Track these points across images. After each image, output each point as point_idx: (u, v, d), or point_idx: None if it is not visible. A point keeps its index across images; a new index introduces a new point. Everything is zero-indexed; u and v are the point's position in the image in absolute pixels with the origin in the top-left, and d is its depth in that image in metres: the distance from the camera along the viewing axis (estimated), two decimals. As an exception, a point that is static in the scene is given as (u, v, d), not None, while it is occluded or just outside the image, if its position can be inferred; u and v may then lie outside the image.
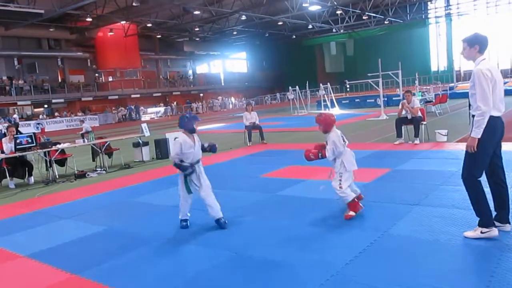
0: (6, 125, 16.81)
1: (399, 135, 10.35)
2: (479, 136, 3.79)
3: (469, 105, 4.18)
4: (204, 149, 5.31)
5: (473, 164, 3.92)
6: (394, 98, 24.45)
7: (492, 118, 3.80)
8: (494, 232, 3.94)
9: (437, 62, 48.84)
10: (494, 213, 4.04)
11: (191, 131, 5.09)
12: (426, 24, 48.10)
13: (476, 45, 3.94)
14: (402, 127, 10.38)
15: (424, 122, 10.40)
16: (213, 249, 4.39)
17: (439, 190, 5.77)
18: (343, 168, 4.99)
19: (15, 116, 30.49)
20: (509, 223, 4.11)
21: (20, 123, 28.46)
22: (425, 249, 3.89)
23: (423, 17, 46.19)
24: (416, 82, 25.29)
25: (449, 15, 46.37)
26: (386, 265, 3.65)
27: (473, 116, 3.91)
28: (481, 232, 3.97)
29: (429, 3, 43.51)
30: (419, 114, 10.16)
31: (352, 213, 4.96)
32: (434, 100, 18.84)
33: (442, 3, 44.66)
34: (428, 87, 28.54)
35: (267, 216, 5.41)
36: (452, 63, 46.65)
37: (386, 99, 23.35)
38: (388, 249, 3.97)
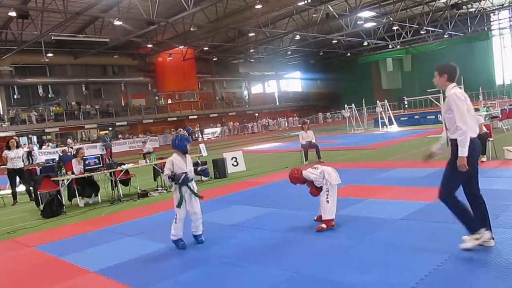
0: (76, 147, 17.84)
1: (463, 152, 9.87)
2: (466, 154, 4.05)
3: (446, 127, 4.42)
4: (197, 173, 5.61)
5: (453, 183, 4.23)
6: (456, 114, 23.39)
7: (470, 138, 4.10)
8: (486, 235, 4.16)
9: (502, 75, 46.31)
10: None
11: (183, 151, 5.44)
12: (489, 37, 45.88)
13: (445, 74, 4.32)
14: (467, 144, 9.90)
15: (491, 139, 9.86)
16: (273, 269, 4.38)
17: (510, 211, 5.43)
18: (328, 184, 5.59)
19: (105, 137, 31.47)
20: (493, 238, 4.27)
21: (85, 146, 30.09)
22: (497, 274, 3.66)
23: (486, 29, 44.17)
24: (480, 97, 24.09)
25: (514, 26, 44.07)
26: (455, 289, 3.46)
27: (451, 140, 4.22)
28: (475, 239, 4.18)
29: (491, 14, 41.60)
30: (485, 130, 9.66)
31: (324, 225, 5.50)
32: (500, 115, 17.84)
33: (506, 14, 42.51)
34: (494, 102, 27.08)
35: (326, 235, 5.32)
36: (519, 76, 44.10)
37: (448, 115, 22.40)
38: (456, 273, 3.78)
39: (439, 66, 4.36)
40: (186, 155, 5.53)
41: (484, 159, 9.49)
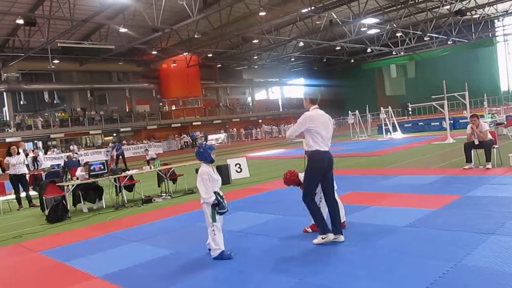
0: (82, 154, 17.88)
1: (468, 159, 9.83)
2: (287, 135, 5.72)
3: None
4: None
5: (308, 187, 5.26)
6: (461, 121, 23.39)
7: (319, 151, 5.12)
8: (329, 237, 5.11)
9: (507, 81, 46.15)
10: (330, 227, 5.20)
11: (211, 161, 5.40)
12: (494, 43, 45.76)
13: (307, 97, 5.38)
14: (472, 151, 9.87)
15: (496, 146, 9.83)
16: (277, 276, 4.37)
17: (516, 218, 5.40)
18: (320, 192, 5.71)
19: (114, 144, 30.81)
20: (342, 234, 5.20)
21: (90, 151, 30.18)
22: (504, 282, 3.64)
23: (490, 35, 44.10)
24: (485, 103, 24.05)
25: (519, 32, 43.99)
26: (461, 297, 3.44)
27: (305, 151, 5.31)
28: (322, 238, 5.13)
29: (496, 21, 41.56)
30: (490, 137, 9.63)
31: (310, 229, 5.79)
32: (505, 122, 17.79)
33: (511, 20, 42.49)
34: (499, 108, 27.01)
35: (331, 242, 5.31)
36: (524, 83, 43.92)
37: (452, 121, 22.41)
38: (462, 281, 3.75)
39: (305, 91, 5.42)
40: (211, 164, 5.39)
41: (489, 166, 9.46)
